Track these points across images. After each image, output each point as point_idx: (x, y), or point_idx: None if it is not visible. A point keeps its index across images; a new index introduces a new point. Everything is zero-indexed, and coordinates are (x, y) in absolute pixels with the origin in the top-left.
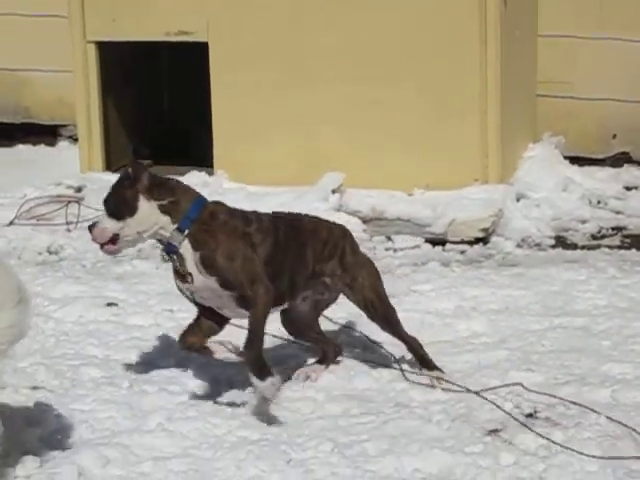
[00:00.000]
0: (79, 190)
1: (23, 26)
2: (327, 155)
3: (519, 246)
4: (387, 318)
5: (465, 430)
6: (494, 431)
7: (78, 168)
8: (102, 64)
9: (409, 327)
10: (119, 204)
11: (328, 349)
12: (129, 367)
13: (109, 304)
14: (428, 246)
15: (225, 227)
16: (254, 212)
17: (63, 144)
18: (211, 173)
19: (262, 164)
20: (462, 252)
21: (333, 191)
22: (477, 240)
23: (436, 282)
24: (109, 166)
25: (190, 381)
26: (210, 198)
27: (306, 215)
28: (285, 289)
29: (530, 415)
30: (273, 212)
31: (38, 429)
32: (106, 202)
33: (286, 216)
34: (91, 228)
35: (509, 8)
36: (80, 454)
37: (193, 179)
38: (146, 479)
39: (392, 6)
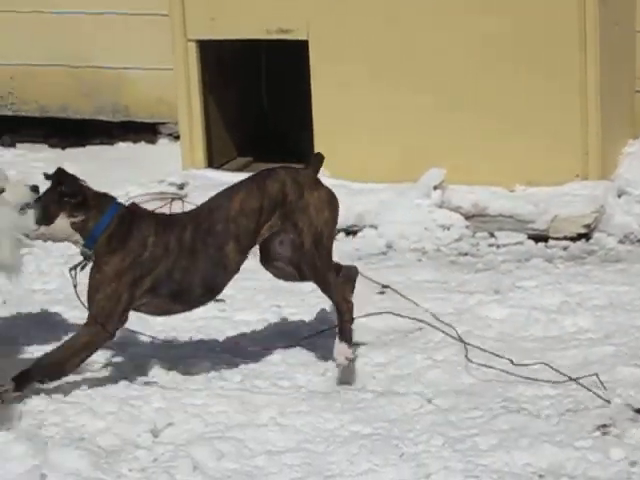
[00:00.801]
0: (182, 187)
1: (122, 24)
2: (428, 151)
3: (621, 242)
4: (315, 266)
5: (574, 425)
6: (603, 426)
7: (180, 165)
8: (202, 62)
9: (515, 323)
10: (41, 212)
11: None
12: (239, 362)
13: (216, 300)
14: (531, 242)
15: (112, 257)
16: (159, 221)
17: (163, 142)
18: None
19: (362, 161)
20: (565, 248)
21: (435, 187)
22: (579, 236)
23: (540, 278)
24: (211, 163)
25: (300, 376)
26: None
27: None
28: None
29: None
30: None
31: (151, 424)
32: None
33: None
34: None
35: (607, 4)
36: (194, 448)
37: None
38: (260, 473)
39: (489, 6)
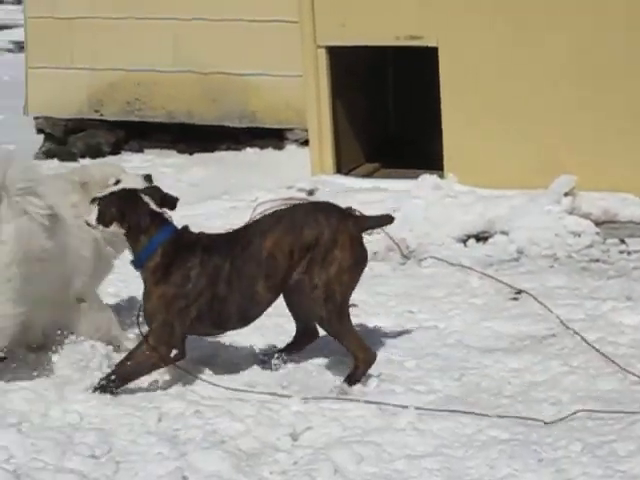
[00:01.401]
0: (311, 193)
1: (250, 31)
2: (558, 158)
3: None
4: (322, 318)
5: None
6: None
7: (309, 171)
8: (332, 68)
9: None
10: (105, 216)
11: (299, 333)
12: (376, 367)
13: (350, 305)
14: None
15: (158, 287)
16: (204, 250)
17: (290, 147)
18: (442, 176)
19: (492, 167)
20: None
21: (565, 194)
22: None
23: None
24: (339, 169)
25: (436, 381)
26: (443, 201)
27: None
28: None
29: None
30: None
31: (290, 427)
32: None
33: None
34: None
35: None
36: (334, 451)
37: (424, 183)
38: (400, 476)
39: (618, 7)
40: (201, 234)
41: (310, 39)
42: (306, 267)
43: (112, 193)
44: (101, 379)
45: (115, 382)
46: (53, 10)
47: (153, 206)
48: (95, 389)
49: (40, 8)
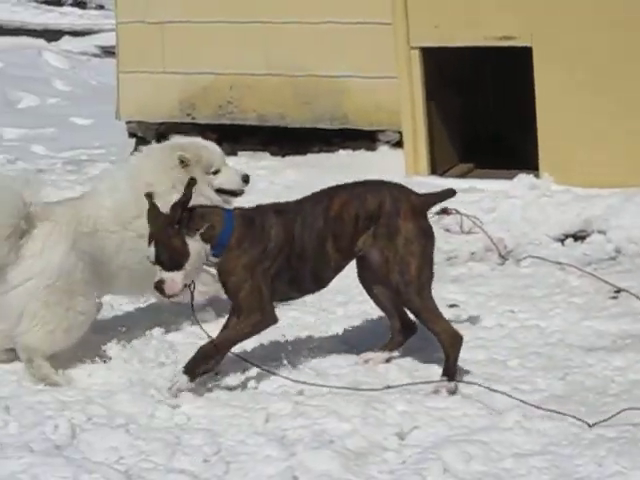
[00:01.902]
0: None
1: (341, 34)
2: None
3: None
4: (400, 293)
5: None
6: None
7: (402, 172)
8: (425, 69)
9: None
10: (175, 256)
11: (396, 330)
12: (479, 367)
13: (451, 305)
14: None
15: (243, 256)
16: (276, 212)
17: (383, 149)
18: (537, 176)
19: (588, 166)
20: None
21: None
22: None
23: None
24: (434, 170)
25: (540, 380)
26: (539, 201)
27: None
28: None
29: None
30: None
31: (397, 427)
32: (160, 261)
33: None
34: (160, 286)
35: None
36: (442, 450)
37: (520, 183)
38: (509, 475)
39: None
40: (267, 204)
41: (403, 40)
42: (372, 241)
43: (159, 236)
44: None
45: (208, 354)
46: (144, 15)
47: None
48: (187, 370)
49: (131, 13)
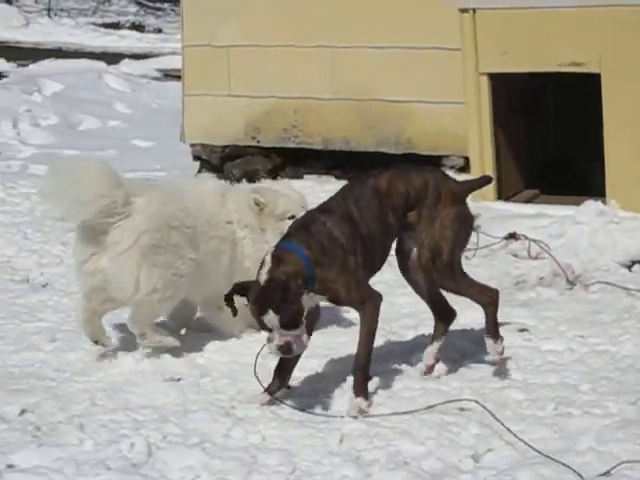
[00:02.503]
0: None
1: (406, 58)
2: None
3: None
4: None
5: None
6: None
7: (469, 197)
8: (493, 95)
9: None
10: (297, 314)
11: (437, 319)
12: (551, 390)
13: (521, 330)
14: None
15: (331, 268)
16: (327, 214)
17: (449, 173)
18: (604, 202)
19: None
20: None
21: None
22: None
23: None
24: (500, 195)
25: (612, 404)
26: (607, 227)
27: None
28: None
29: None
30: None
31: (471, 449)
32: (285, 324)
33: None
34: (288, 347)
35: None
36: (517, 473)
37: (588, 209)
38: None
39: None
40: (309, 214)
41: (472, 66)
42: (416, 219)
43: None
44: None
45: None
46: (210, 38)
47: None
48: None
49: (197, 37)
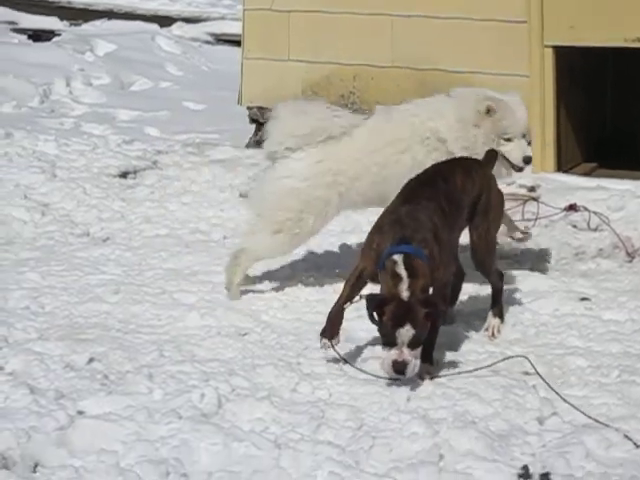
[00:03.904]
0: (532, 189)
1: (467, 30)
2: None
3: None
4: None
5: None
6: None
7: (529, 168)
8: (557, 68)
9: None
10: (423, 335)
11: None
12: (615, 359)
13: (582, 299)
14: None
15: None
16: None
17: None
18: None
19: None
20: None
21: None
22: None
23: None
24: (560, 167)
25: None
26: None
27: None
28: None
29: None
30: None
31: (537, 412)
32: (415, 342)
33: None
34: (403, 369)
35: None
36: (584, 436)
37: None
38: None
39: None
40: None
41: (538, 39)
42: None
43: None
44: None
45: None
46: (272, 3)
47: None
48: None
49: (259, 0)
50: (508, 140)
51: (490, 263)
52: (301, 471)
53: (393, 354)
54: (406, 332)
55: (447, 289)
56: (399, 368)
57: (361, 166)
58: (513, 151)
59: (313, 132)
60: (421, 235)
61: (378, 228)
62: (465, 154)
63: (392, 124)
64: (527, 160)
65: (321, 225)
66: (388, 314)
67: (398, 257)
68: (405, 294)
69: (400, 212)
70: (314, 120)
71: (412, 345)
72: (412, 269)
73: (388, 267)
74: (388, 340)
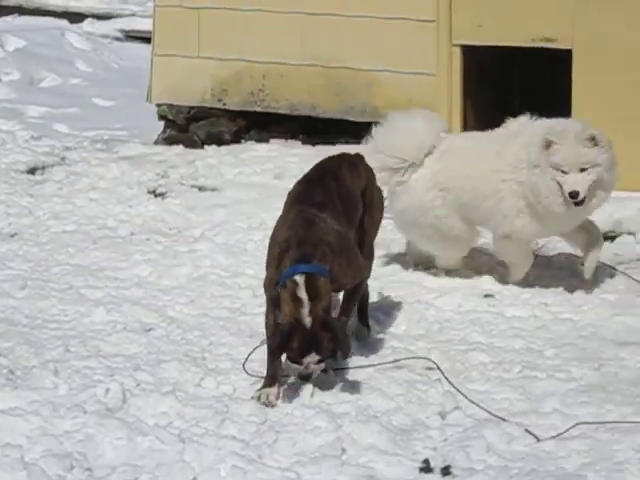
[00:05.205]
0: None
1: (376, 28)
2: None
3: None
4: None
5: None
6: None
7: None
8: (464, 67)
9: None
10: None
11: None
12: (517, 355)
13: (486, 295)
14: None
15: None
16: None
17: None
18: None
19: (622, 169)
20: None
21: None
22: None
23: None
24: None
25: (575, 369)
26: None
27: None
28: None
29: None
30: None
31: (439, 406)
32: (323, 359)
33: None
34: (311, 376)
35: None
36: (484, 430)
37: None
38: (549, 457)
39: None
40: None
41: (446, 38)
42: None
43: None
44: None
45: None
46: (182, 0)
47: None
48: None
49: None
50: (565, 173)
51: (370, 264)
52: (204, 465)
53: (299, 367)
54: (311, 358)
55: (360, 290)
56: (305, 378)
57: None
58: (568, 186)
59: None
60: (321, 250)
61: (277, 245)
62: None
63: None
64: (573, 195)
65: None
66: (294, 343)
67: (299, 278)
68: (307, 320)
69: (296, 226)
70: None
71: (321, 361)
72: (313, 290)
73: (289, 288)
74: (293, 362)
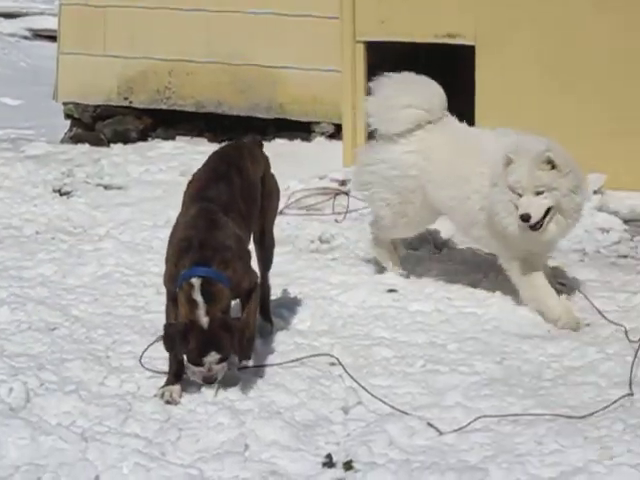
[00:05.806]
0: (344, 183)
1: (281, 25)
2: (589, 157)
3: None
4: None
5: None
6: None
7: (339, 162)
8: (368, 63)
9: None
10: (232, 347)
11: None
12: (420, 349)
13: (390, 290)
14: None
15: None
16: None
17: (319, 139)
18: None
19: None
20: None
21: (594, 192)
22: None
23: None
24: None
25: (478, 363)
26: None
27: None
28: None
29: None
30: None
31: (342, 401)
32: (224, 359)
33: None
34: (215, 378)
35: None
36: (388, 424)
37: None
38: (452, 449)
39: None
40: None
41: (349, 34)
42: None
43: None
44: None
45: None
46: None
47: None
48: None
49: None
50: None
51: (272, 253)
52: (107, 463)
53: (202, 369)
54: (212, 358)
55: (258, 291)
56: (209, 381)
57: None
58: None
59: None
60: (220, 255)
61: (177, 242)
62: None
63: None
64: (524, 217)
65: None
66: (192, 344)
67: (196, 281)
68: (204, 320)
69: (199, 226)
70: None
71: (223, 360)
72: (209, 294)
73: (185, 290)
74: (194, 363)
